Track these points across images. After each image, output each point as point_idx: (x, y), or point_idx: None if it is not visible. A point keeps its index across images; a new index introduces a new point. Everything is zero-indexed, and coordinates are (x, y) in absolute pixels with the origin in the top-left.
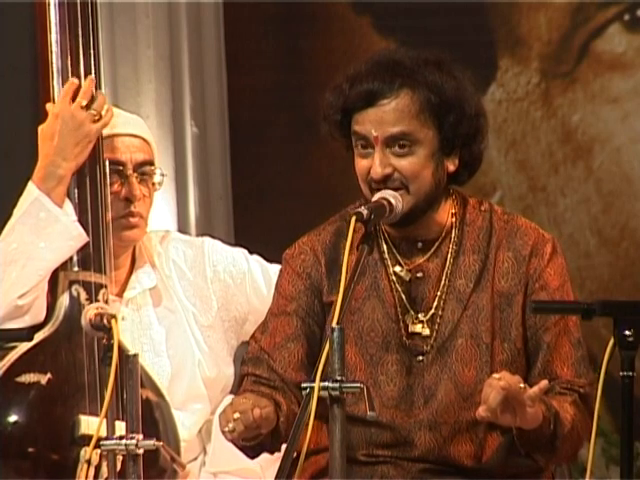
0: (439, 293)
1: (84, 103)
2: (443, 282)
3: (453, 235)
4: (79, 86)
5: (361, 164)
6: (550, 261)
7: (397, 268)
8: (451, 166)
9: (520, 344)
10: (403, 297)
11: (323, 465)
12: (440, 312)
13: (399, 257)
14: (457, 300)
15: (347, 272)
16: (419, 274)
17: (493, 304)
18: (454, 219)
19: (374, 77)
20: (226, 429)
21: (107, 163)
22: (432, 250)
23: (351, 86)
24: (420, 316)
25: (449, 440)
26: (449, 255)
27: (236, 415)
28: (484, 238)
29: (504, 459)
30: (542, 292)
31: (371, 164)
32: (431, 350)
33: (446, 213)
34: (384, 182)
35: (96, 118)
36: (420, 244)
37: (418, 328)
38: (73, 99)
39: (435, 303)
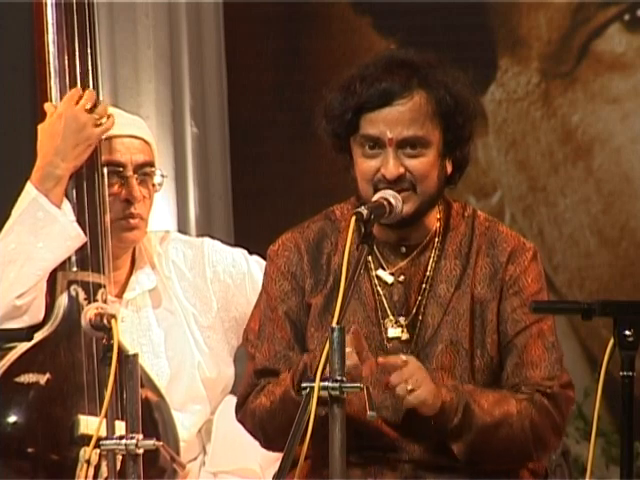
0: (420, 297)
1: (88, 106)
2: (424, 286)
3: (436, 240)
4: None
5: (368, 164)
6: (528, 268)
7: (380, 271)
8: (449, 167)
9: (494, 351)
10: (384, 301)
11: (308, 470)
12: (420, 317)
13: (382, 260)
14: (438, 305)
15: (347, 272)
16: (401, 278)
17: (472, 310)
18: (438, 224)
19: (391, 76)
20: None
21: (106, 164)
22: (415, 254)
23: (364, 85)
24: (401, 320)
25: (438, 445)
26: (431, 260)
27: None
28: (466, 244)
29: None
30: (515, 298)
31: (379, 164)
32: (411, 355)
33: (434, 218)
34: (395, 183)
35: (98, 123)
36: (404, 248)
37: (397, 332)
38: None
39: (415, 307)
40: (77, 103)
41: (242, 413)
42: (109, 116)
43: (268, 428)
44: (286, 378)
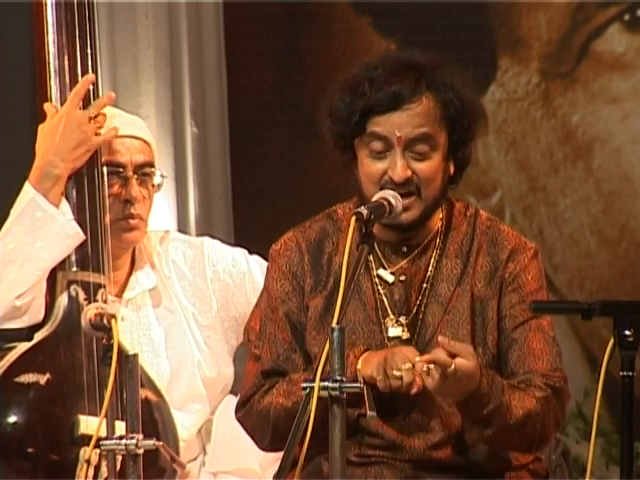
0: (420, 297)
1: (93, 114)
2: (425, 286)
3: (438, 240)
4: (88, 90)
5: (375, 166)
6: (528, 266)
7: (381, 271)
8: (452, 169)
9: (495, 349)
10: (385, 300)
11: (305, 469)
12: (421, 316)
13: (383, 260)
14: (438, 304)
15: (347, 272)
16: (402, 277)
17: (472, 308)
18: (440, 224)
19: (400, 79)
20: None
21: (106, 164)
22: (416, 253)
23: (373, 88)
24: (401, 319)
25: (439, 444)
26: (432, 259)
27: (407, 366)
28: (467, 243)
29: (496, 457)
30: (514, 294)
31: (387, 166)
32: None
33: (436, 218)
34: (402, 185)
35: (98, 132)
36: (405, 248)
37: (398, 331)
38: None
39: (416, 307)
40: (80, 107)
41: (245, 412)
42: (113, 128)
43: (282, 427)
44: (301, 379)
